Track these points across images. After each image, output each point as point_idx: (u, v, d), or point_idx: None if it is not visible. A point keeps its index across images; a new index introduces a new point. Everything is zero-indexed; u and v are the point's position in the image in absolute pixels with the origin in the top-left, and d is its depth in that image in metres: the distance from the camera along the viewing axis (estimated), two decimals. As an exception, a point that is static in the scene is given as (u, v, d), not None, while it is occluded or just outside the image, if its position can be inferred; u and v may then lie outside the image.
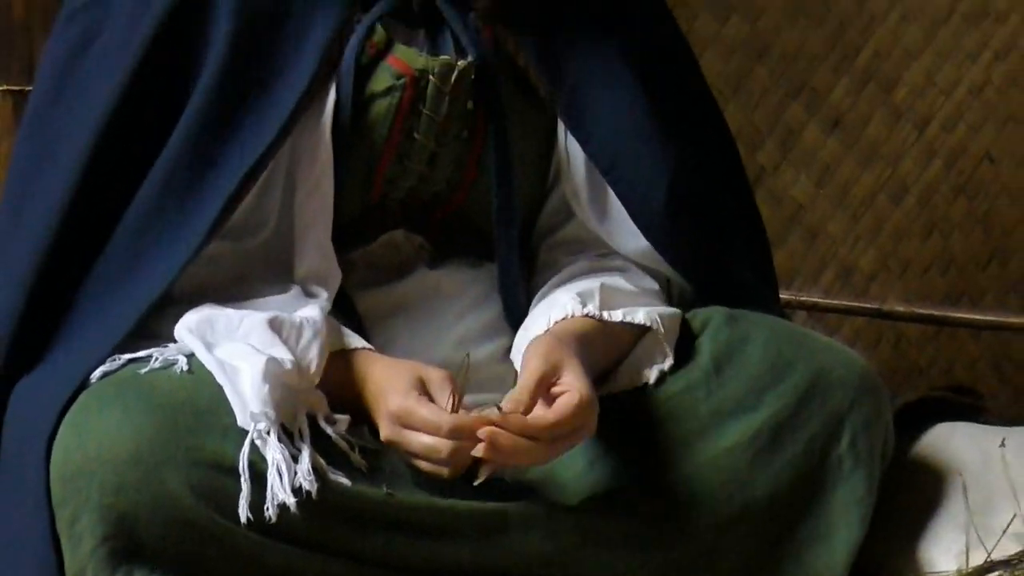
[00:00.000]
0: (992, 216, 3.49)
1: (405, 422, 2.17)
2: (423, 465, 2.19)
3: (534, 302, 2.43)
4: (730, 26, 3.17)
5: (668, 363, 2.37)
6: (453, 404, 2.16)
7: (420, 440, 2.17)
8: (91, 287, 2.34)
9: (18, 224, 2.42)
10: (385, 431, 2.20)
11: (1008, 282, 3.47)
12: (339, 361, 2.27)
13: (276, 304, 2.29)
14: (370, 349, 2.30)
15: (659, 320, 2.36)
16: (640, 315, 2.36)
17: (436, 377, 2.20)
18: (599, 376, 2.33)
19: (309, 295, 2.33)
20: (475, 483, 2.20)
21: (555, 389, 2.20)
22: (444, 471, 2.18)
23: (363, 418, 2.27)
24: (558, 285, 2.43)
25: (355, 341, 2.30)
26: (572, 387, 2.18)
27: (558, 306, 2.36)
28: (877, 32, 3.48)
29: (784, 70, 3.32)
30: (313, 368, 2.23)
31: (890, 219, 3.42)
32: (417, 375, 2.21)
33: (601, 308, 2.35)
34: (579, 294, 2.35)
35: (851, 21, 3.48)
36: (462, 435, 2.14)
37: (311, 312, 2.28)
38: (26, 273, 2.35)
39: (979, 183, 3.48)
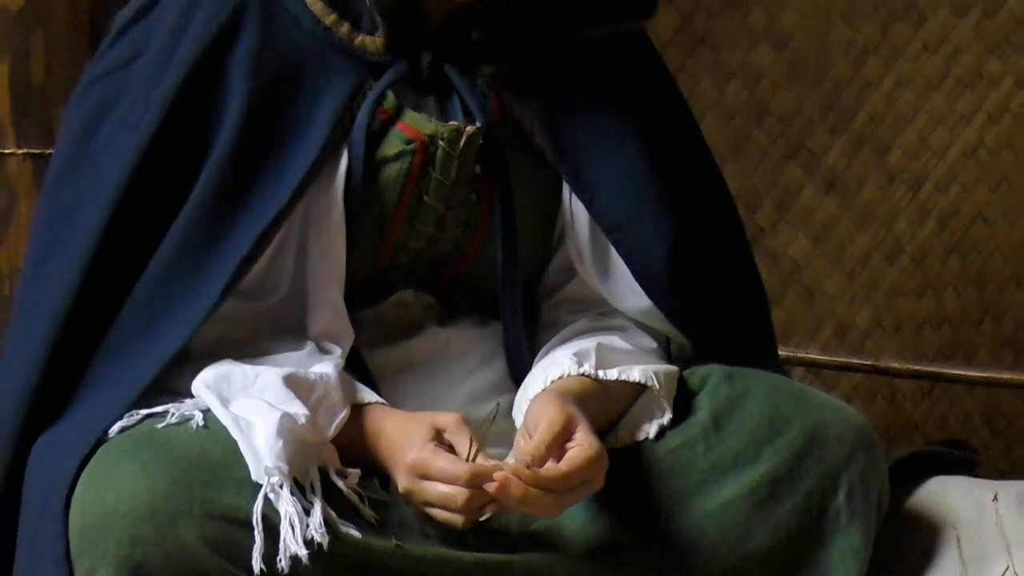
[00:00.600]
0: (985, 274, 3.50)
1: (423, 473, 2.17)
2: (439, 514, 2.17)
3: (535, 361, 2.41)
4: (730, 91, 3.19)
5: (667, 418, 2.36)
6: (471, 454, 2.16)
7: (438, 490, 2.16)
8: (110, 345, 2.35)
9: (39, 283, 2.43)
10: (403, 483, 2.20)
11: (1001, 338, 3.48)
12: (353, 415, 2.26)
13: (291, 361, 2.29)
14: (383, 403, 2.29)
15: (655, 377, 2.35)
16: (636, 373, 2.35)
17: (451, 422, 2.20)
18: (599, 433, 2.28)
19: (323, 351, 2.32)
20: (481, 519, 2.22)
21: (568, 444, 2.20)
22: (459, 520, 2.17)
23: (374, 471, 2.27)
24: (558, 345, 2.42)
25: (368, 396, 2.28)
26: (583, 442, 2.18)
27: (556, 365, 2.35)
28: (872, 96, 3.48)
29: (781, 133, 3.32)
30: (331, 429, 2.24)
31: (885, 278, 3.43)
32: (432, 425, 2.21)
33: (597, 367, 2.33)
34: (576, 354, 2.35)
35: (846, 85, 3.48)
36: (479, 483, 2.13)
37: (326, 368, 2.27)
38: (47, 331, 2.36)
39: (972, 242, 3.49)
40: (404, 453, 2.19)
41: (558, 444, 2.18)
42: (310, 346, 2.32)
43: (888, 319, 3.38)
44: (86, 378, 2.36)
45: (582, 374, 2.32)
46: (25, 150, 2.62)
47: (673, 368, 2.41)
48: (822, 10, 3.47)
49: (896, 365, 3.12)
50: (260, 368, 2.28)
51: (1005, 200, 3.49)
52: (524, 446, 2.21)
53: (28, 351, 2.38)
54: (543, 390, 2.31)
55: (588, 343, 2.39)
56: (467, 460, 2.16)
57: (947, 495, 2.56)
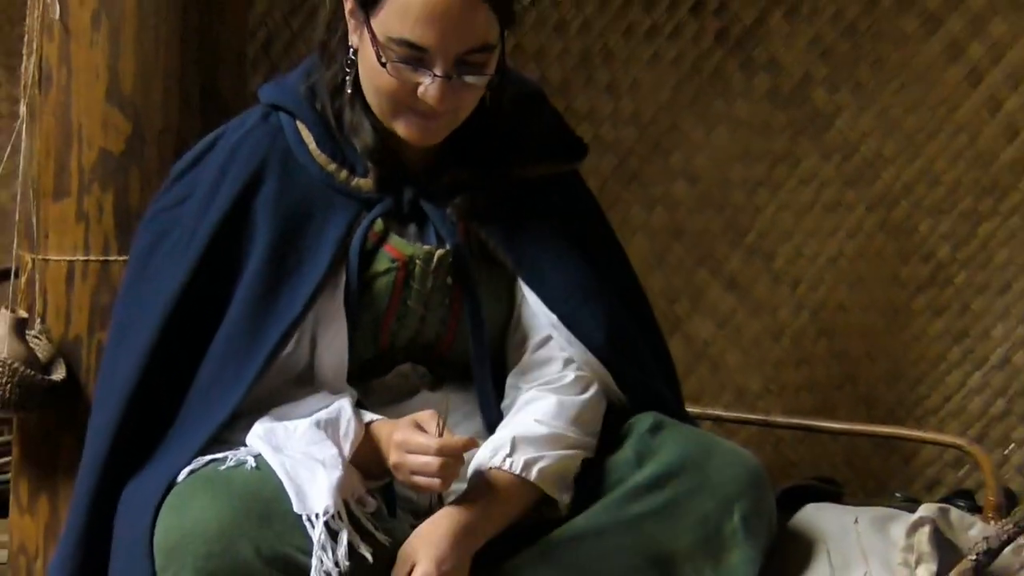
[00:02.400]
0: (845, 352, 3.50)
1: (406, 448, 2.17)
2: (420, 481, 2.18)
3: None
4: (655, 215, 3.17)
5: (567, 498, 2.34)
6: (440, 430, 2.17)
7: (418, 460, 2.16)
8: (182, 412, 2.36)
9: (114, 366, 2.43)
10: (392, 457, 2.20)
11: (857, 399, 3.48)
12: (365, 432, 2.27)
13: (314, 401, 2.29)
14: (383, 419, 2.28)
15: (543, 472, 2.31)
16: (533, 473, 2.30)
17: (425, 416, 2.20)
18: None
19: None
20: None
21: None
22: (436, 483, 2.17)
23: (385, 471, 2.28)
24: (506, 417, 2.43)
25: (371, 416, 2.27)
26: None
27: (483, 454, 2.34)
28: (761, 218, 3.50)
29: (693, 246, 3.33)
30: (347, 450, 2.23)
31: (772, 353, 3.46)
32: (413, 420, 2.22)
33: (503, 460, 2.30)
34: (495, 448, 2.31)
35: (742, 210, 3.49)
36: (447, 452, 2.14)
37: (343, 402, 2.28)
38: (119, 402, 2.37)
39: (835, 327, 3.50)
40: (393, 435, 2.21)
41: None
42: (324, 392, 2.34)
43: (773, 385, 3.40)
44: (164, 436, 2.37)
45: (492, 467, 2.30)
46: (124, 257, 2.63)
47: (573, 455, 2.39)
48: (724, 154, 3.47)
49: (780, 419, 3.11)
50: (296, 422, 2.27)
51: (860, 296, 3.51)
52: None
53: (105, 418, 2.40)
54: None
55: (507, 434, 2.35)
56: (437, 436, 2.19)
57: (819, 518, 2.58)
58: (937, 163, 3.51)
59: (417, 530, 2.21)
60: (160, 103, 2.67)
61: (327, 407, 2.27)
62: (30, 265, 2.72)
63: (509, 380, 2.43)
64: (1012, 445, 3.42)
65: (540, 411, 2.35)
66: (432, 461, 2.15)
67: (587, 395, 2.42)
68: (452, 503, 2.25)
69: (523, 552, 2.30)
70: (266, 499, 2.18)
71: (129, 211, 2.65)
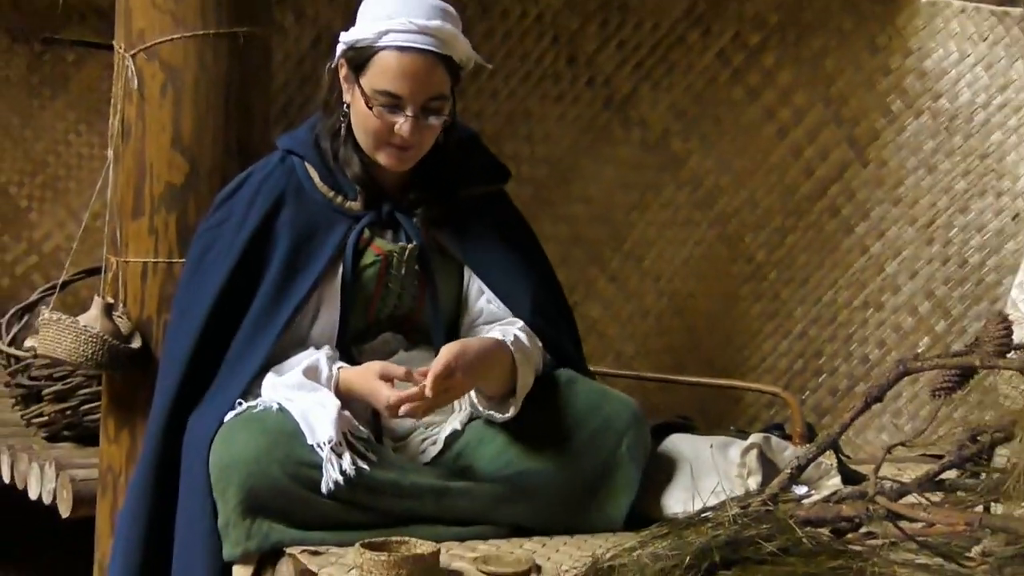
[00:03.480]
0: (693, 327, 3.51)
1: (381, 375, 2.22)
2: (390, 410, 2.18)
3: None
4: (559, 228, 3.15)
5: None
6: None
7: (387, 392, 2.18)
8: (222, 370, 2.38)
9: (175, 339, 2.46)
10: (371, 383, 2.23)
11: (701, 360, 3.49)
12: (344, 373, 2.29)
13: (302, 356, 2.31)
14: (347, 366, 2.30)
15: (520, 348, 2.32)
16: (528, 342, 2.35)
17: (392, 365, 2.26)
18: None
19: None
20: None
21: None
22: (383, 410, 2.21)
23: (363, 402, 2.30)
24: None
25: (339, 363, 2.29)
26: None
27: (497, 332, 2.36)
28: (634, 231, 3.48)
29: (587, 251, 3.33)
30: (331, 391, 2.26)
31: (641, 328, 3.44)
32: (378, 369, 2.25)
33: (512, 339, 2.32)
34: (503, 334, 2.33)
35: (622, 225, 3.46)
36: (387, 375, 2.20)
37: (320, 353, 2.31)
38: (179, 364, 2.40)
39: (686, 309, 3.51)
40: (373, 369, 2.24)
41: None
42: (312, 348, 2.34)
43: (642, 350, 3.41)
44: (213, 386, 2.38)
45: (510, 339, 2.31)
46: (182, 260, 2.61)
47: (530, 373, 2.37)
48: (609, 185, 3.43)
49: (648, 374, 3.12)
50: (292, 372, 2.29)
51: (703, 287, 3.54)
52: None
53: (170, 374, 2.44)
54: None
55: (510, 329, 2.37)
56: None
57: (680, 444, 2.60)
58: (756, 193, 3.52)
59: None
60: (209, 150, 2.64)
61: (309, 359, 2.29)
62: (115, 266, 2.69)
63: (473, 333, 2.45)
64: (808, 392, 3.47)
65: (521, 333, 2.37)
66: (383, 389, 2.19)
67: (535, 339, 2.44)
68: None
69: (482, 483, 2.31)
70: (288, 433, 2.21)
71: (187, 227, 2.62)
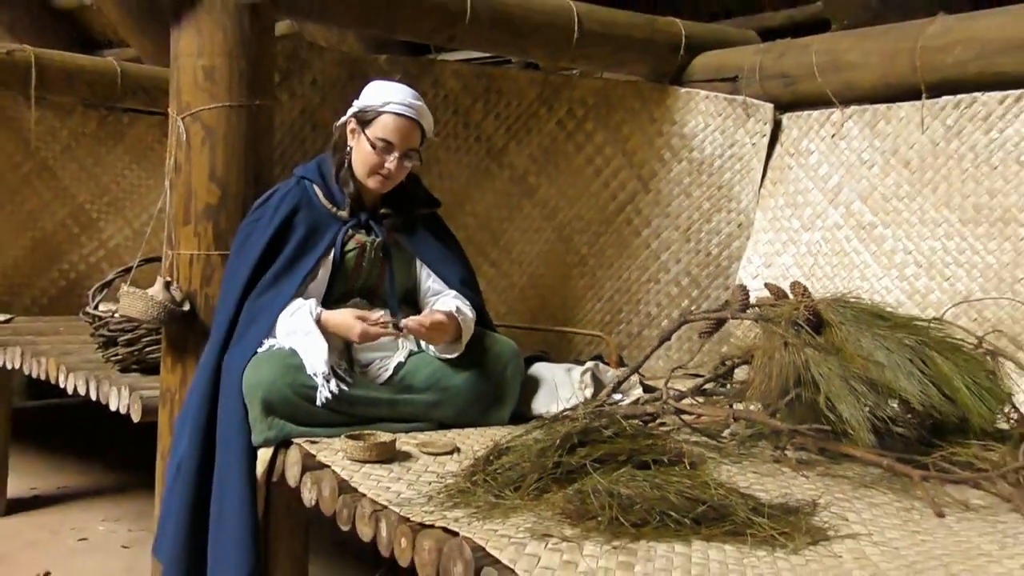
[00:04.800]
0: (544, 296, 3.43)
1: (357, 316, 2.23)
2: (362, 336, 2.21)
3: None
4: (459, 235, 3.06)
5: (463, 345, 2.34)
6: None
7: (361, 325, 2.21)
8: (247, 320, 2.34)
9: (224, 296, 2.41)
10: (349, 320, 2.23)
11: (549, 316, 3.41)
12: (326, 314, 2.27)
13: (299, 303, 2.28)
14: (327, 311, 2.27)
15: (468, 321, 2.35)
16: (469, 313, 2.38)
17: (365, 312, 2.27)
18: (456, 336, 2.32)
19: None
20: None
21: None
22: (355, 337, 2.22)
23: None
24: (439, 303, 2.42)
25: (320, 309, 2.27)
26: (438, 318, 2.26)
27: (444, 305, 2.37)
28: (506, 235, 3.41)
29: (476, 249, 3.23)
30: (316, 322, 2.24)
31: (510, 296, 3.37)
32: (352, 311, 2.26)
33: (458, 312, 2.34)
34: (449, 304, 2.37)
35: (497, 232, 3.37)
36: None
37: (311, 302, 2.29)
38: (228, 313, 2.36)
39: (539, 284, 3.43)
40: (351, 312, 2.25)
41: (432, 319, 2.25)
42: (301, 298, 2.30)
43: (513, 310, 3.37)
44: (240, 330, 2.34)
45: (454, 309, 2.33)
46: (217, 252, 2.57)
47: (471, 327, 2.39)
48: (490, 206, 3.36)
49: (517, 325, 3.12)
50: (295, 326, 2.25)
51: (549, 270, 3.45)
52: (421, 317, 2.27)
53: (219, 326, 2.38)
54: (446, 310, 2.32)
55: (453, 304, 2.38)
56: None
57: (542, 369, 2.61)
58: (582, 210, 3.47)
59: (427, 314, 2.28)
60: (234, 181, 2.60)
61: (302, 307, 2.27)
62: (171, 256, 2.63)
63: (425, 305, 2.46)
64: (614, 335, 3.40)
65: (459, 302, 2.40)
66: (356, 325, 2.21)
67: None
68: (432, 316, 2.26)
69: (420, 395, 2.32)
70: (295, 365, 2.20)
71: (220, 232, 2.59)
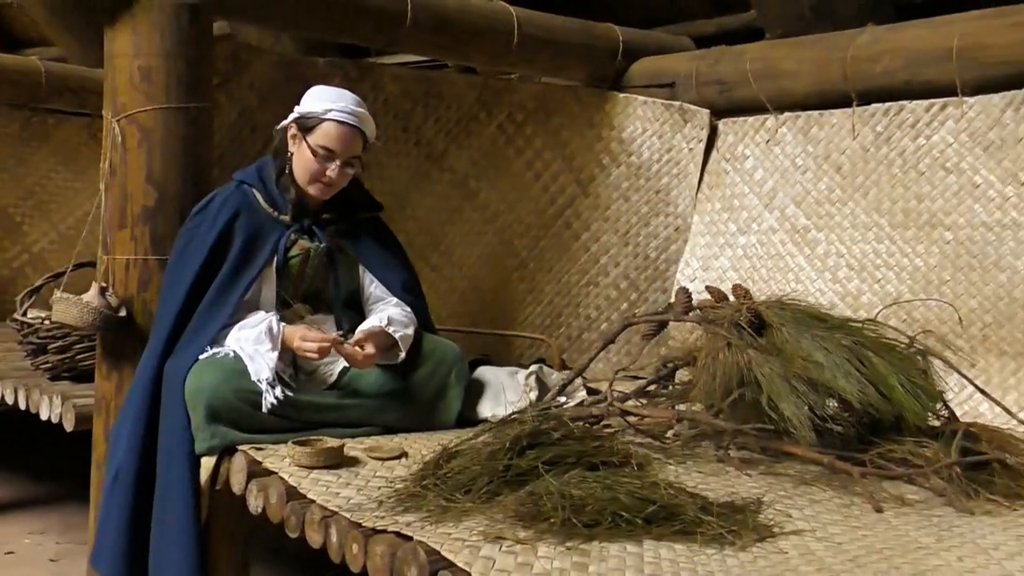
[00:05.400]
0: (485, 299, 3.47)
1: (306, 338, 2.21)
2: (307, 354, 2.20)
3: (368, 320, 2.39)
4: (400, 237, 3.04)
5: (401, 356, 2.34)
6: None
7: (312, 345, 2.20)
8: (193, 327, 2.30)
9: (165, 304, 2.36)
10: (296, 344, 2.22)
11: (490, 320, 3.45)
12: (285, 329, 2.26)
13: (258, 316, 2.27)
14: (288, 326, 2.27)
15: (401, 341, 2.33)
16: (400, 332, 2.34)
17: (311, 332, 2.25)
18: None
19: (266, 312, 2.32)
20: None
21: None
22: (316, 356, 2.20)
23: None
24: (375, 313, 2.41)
25: (283, 324, 2.26)
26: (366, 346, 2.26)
27: (375, 320, 2.34)
28: (447, 239, 3.39)
29: (417, 252, 3.20)
30: (279, 343, 2.23)
31: (452, 299, 3.38)
32: (306, 328, 2.26)
33: (388, 325, 2.32)
34: (379, 320, 2.33)
35: (439, 235, 3.36)
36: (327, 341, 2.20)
37: (272, 317, 2.27)
38: (168, 322, 2.31)
39: (480, 287, 3.44)
40: (297, 331, 2.23)
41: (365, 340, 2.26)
42: (261, 311, 2.29)
43: (454, 313, 3.37)
44: (184, 338, 2.29)
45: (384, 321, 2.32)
46: (153, 258, 2.54)
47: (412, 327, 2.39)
48: (431, 209, 3.36)
49: (459, 328, 3.11)
50: (251, 329, 2.23)
51: (490, 273, 3.48)
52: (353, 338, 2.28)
53: (160, 332, 2.33)
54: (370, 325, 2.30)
55: (384, 313, 2.36)
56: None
57: (486, 372, 2.63)
58: (522, 214, 3.46)
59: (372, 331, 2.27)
60: (172, 183, 2.56)
61: (264, 320, 2.25)
62: (106, 261, 2.58)
63: (368, 311, 2.44)
64: (553, 338, 3.40)
65: (395, 310, 2.38)
66: (312, 344, 2.20)
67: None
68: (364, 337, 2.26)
69: (365, 399, 2.31)
70: (240, 371, 2.18)
71: (157, 235, 2.55)
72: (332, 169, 2.29)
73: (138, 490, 2.24)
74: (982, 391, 2.26)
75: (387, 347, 2.29)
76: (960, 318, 2.64)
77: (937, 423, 2.13)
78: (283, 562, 3.22)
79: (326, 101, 2.31)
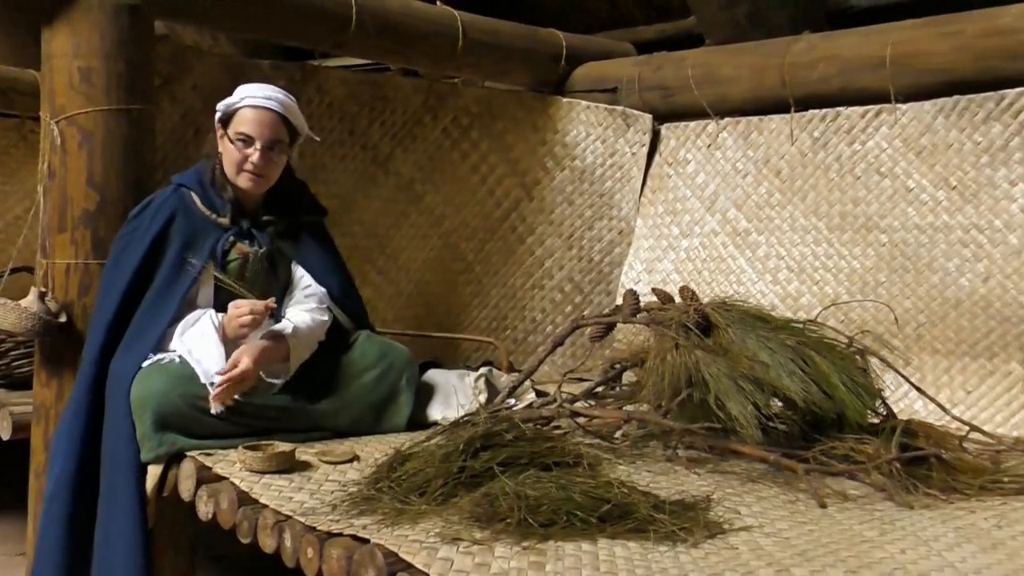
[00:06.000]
0: (430, 302, 3.46)
1: (233, 312, 2.19)
2: (243, 324, 2.18)
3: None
4: (345, 240, 3.00)
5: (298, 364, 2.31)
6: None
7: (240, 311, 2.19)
8: (134, 332, 2.27)
9: (100, 310, 2.33)
10: (230, 322, 2.20)
11: (435, 323, 3.44)
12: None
13: (197, 313, 2.25)
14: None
15: (297, 335, 2.29)
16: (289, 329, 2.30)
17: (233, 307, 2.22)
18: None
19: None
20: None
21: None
22: (249, 323, 2.18)
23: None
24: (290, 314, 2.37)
25: (220, 316, 2.24)
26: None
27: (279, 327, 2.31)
28: (392, 243, 3.37)
29: (363, 255, 3.22)
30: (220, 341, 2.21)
31: (397, 302, 3.37)
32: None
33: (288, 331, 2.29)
34: (283, 327, 2.30)
35: (384, 238, 3.34)
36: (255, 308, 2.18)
37: (210, 313, 2.26)
38: (103, 327, 2.29)
39: (425, 290, 3.43)
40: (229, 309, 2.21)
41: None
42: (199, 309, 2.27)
43: (400, 316, 3.35)
44: (126, 342, 2.26)
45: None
46: (95, 262, 2.48)
47: (315, 328, 2.37)
48: (377, 213, 3.32)
49: (407, 332, 3.11)
50: (192, 327, 2.22)
51: (435, 276, 3.46)
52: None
53: (96, 335, 2.31)
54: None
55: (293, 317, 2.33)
56: None
57: (436, 375, 2.63)
58: (467, 217, 3.47)
59: (243, 347, 2.18)
60: (113, 186, 2.51)
61: (204, 314, 2.25)
62: (45, 266, 2.51)
63: (289, 309, 2.39)
64: (501, 340, 3.39)
65: (304, 319, 2.33)
66: (249, 313, 2.18)
67: (325, 316, 2.40)
68: (259, 343, 2.21)
69: (316, 404, 2.30)
70: (187, 376, 2.16)
71: (98, 239, 2.50)
72: (253, 155, 2.28)
73: (79, 499, 2.21)
74: (918, 388, 2.36)
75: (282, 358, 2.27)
76: (896, 318, 2.71)
77: (876, 420, 2.20)
78: (226, 569, 3.18)
79: (242, 92, 2.33)
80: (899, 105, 2.89)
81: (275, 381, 2.25)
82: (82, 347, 2.37)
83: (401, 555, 1.50)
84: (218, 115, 2.35)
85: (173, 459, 2.09)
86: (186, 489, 2.01)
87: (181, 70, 2.85)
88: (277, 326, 2.28)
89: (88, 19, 2.50)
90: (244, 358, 2.12)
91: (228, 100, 2.33)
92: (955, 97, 2.76)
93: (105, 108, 2.50)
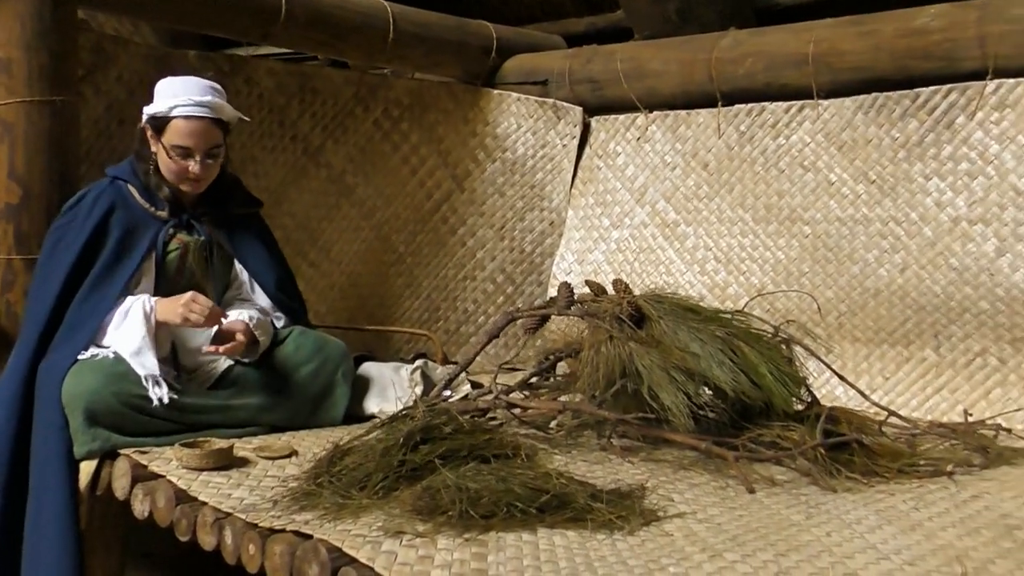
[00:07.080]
0: (363, 294, 3.42)
1: (193, 298, 2.18)
2: (194, 312, 2.17)
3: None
4: (278, 233, 2.92)
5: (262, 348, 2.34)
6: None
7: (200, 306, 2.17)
8: (69, 325, 2.23)
9: (35, 304, 2.29)
10: (182, 308, 2.19)
11: (368, 316, 3.42)
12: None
13: (126, 305, 2.22)
14: (159, 299, 2.23)
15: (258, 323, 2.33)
16: (256, 321, 2.34)
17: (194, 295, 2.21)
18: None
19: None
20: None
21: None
22: (201, 320, 2.18)
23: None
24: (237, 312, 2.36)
25: (153, 299, 2.23)
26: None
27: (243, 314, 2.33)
28: (324, 236, 3.34)
29: (295, 248, 3.18)
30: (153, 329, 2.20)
31: (331, 295, 3.33)
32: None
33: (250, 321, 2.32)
34: (247, 314, 2.33)
35: (316, 231, 3.31)
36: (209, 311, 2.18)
37: (143, 298, 2.23)
38: (39, 321, 2.25)
39: (358, 283, 3.42)
40: (177, 301, 2.20)
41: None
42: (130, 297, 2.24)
43: (333, 309, 3.32)
44: (61, 338, 2.23)
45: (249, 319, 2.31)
46: (18, 257, 2.45)
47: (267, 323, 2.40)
48: (307, 206, 3.31)
49: (340, 325, 3.08)
50: (121, 317, 2.20)
51: (367, 269, 3.43)
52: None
53: (31, 329, 2.27)
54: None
55: (246, 313, 2.35)
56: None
57: (371, 368, 2.65)
58: (399, 209, 3.47)
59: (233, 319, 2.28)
60: (37, 179, 2.47)
61: (136, 301, 2.23)
62: (-33, 261, 2.47)
63: (235, 306, 2.40)
64: (434, 331, 3.39)
65: (252, 312, 2.37)
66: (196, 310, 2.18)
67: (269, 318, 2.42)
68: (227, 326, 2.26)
69: (251, 399, 2.29)
70: (120, 373, 2.15)
71: (21, 234, 2.45)
72: (193, 166, 2.26)
73: (9, 498, 2.17)
74: (839, 376, 2.45)
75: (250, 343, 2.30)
76: (818, 307, 2.81)
77: (801, 407, 2.28)
78: (156, 567, 3.15)
79: (169, 97, 2.27)
80: (821, 101, 2.98)
81: (247, 360, 2.30)
82: (5, 344, 2.33)
83: (345, 550, 1.52)
84: (147, 119, 2.31)
85: (106, 456, 2.07)
86: (120, 487, 2.00)
87: (105, 60, 2.79)
88: (235, 315, 2.30)
89: (7, 8, 2.44)
90: (239, 335, 2.22)
91: (157, 107, 2.29)
92: (874, 94, 2.87)
93: (26, 100, 2.45)
